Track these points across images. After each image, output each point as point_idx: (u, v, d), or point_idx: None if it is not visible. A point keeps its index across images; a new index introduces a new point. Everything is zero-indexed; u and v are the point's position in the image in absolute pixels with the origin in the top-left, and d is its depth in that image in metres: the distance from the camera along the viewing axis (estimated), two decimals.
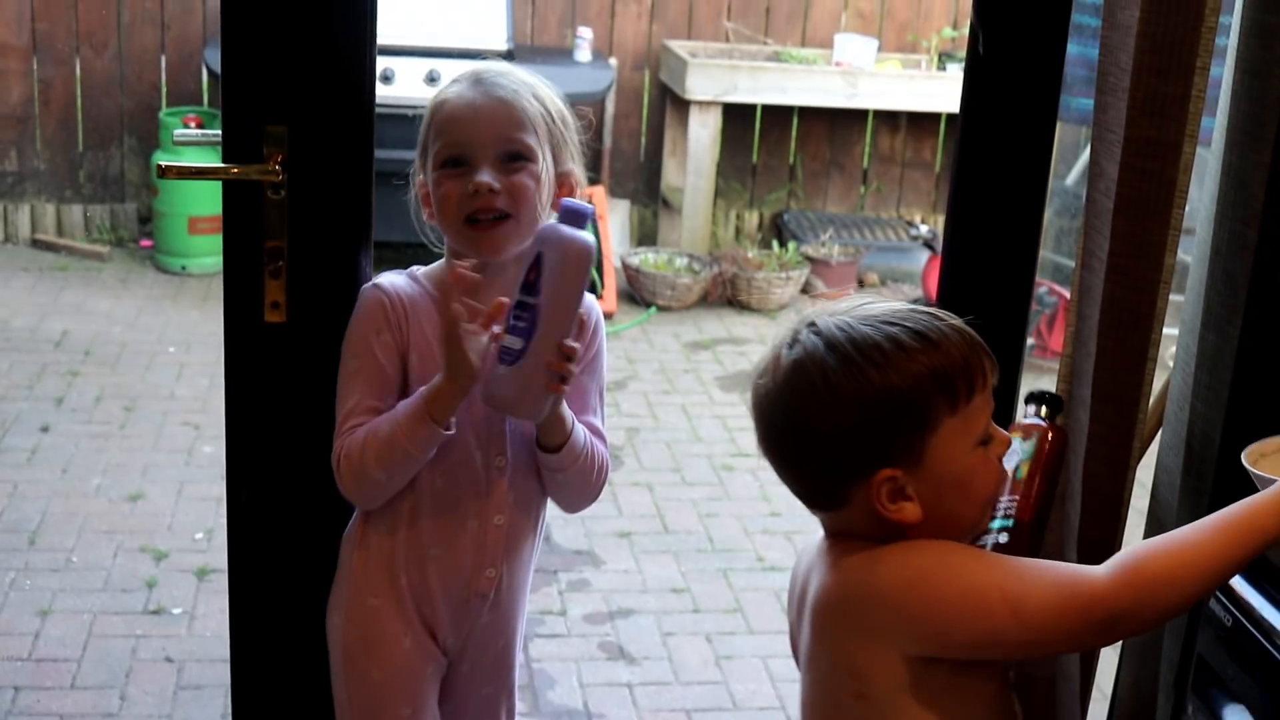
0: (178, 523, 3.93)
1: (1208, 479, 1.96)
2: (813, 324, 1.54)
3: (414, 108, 2.04)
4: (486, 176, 1.88)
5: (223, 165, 1.88)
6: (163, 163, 1.90)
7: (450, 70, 1.98)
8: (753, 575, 3.89)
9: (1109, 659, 2.34)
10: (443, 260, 2.01)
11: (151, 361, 5.10)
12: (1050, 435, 1.79)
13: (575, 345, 1.86)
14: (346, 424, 1.92)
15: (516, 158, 1.92)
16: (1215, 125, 2.02)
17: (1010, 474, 1.70)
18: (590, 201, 5.89)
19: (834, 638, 1.55)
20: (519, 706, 3.14)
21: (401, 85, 5.57)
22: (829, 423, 1.50)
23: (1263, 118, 1.88)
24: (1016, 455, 1.74)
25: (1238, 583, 1.69)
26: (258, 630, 2.17)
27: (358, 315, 1.94)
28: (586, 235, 1.85)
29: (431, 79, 5.58)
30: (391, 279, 1.97)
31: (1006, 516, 1.72)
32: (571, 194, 2.00)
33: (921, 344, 1.49)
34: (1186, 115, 1.89)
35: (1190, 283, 2.06)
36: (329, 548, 2.07)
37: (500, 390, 1.86)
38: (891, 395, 1.48)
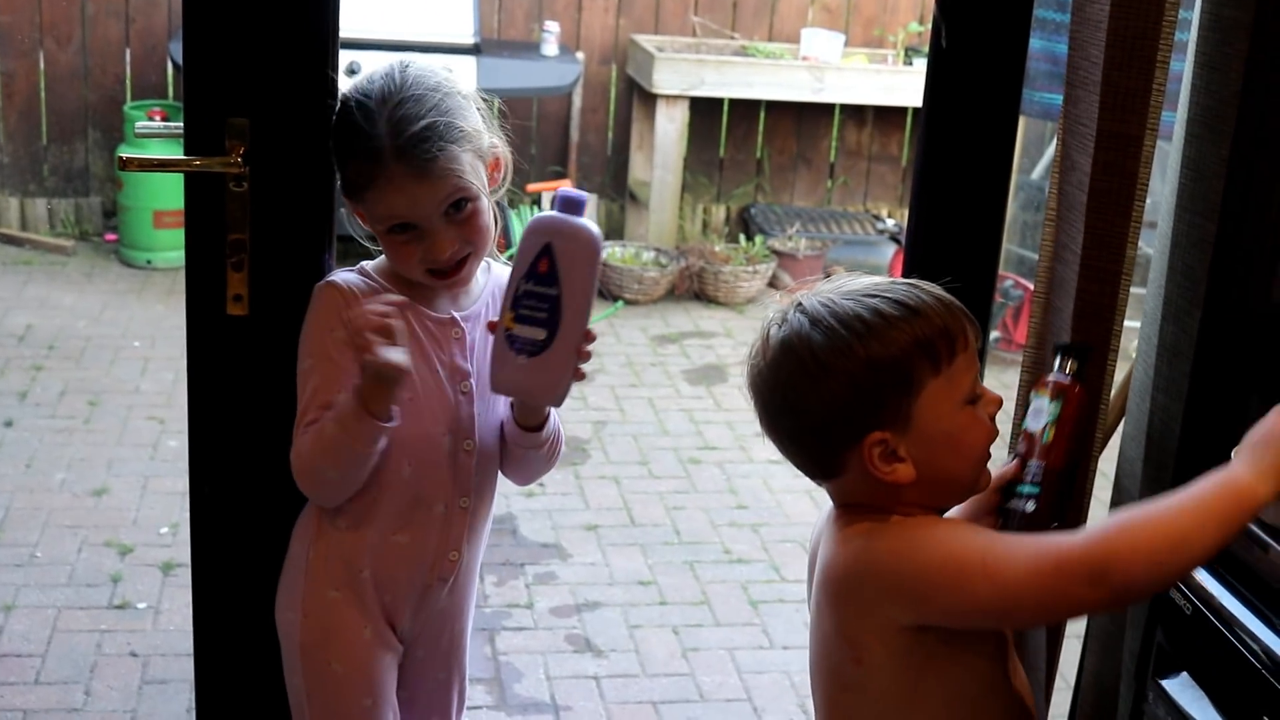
0: (143, 517, 3.91)
1: (1168, 469, 1.97)
2: (799, 304, 1.61)
3: None
4: (445, 243, 1.91)
5: (185, 158, 1.87)
6: (125, 154, 1.88)
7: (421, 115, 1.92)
8: (719, 568, 3.90)
9: (1073, 650, 2.36)
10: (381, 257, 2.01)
11: (116, 356, 5.08)
12: (1078, 392, 1.77)
13: (595, 332, 1.91)
14: (302, 422, 1.92)
15: (462, 203, 1.92)
16: (1176, 119, 2.04)
17: (1037, 436, 1.73)
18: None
19: (835, 608, 1.61)
20: (486, 699, 3.16)
21: None
22: (819, 394, 1.57)
23: (1221, 111, 1.89)
24: (1043, 416, 1.75)
25: (1197, 571, 1.71)
26: (221, 623, 2.16)
27: (313, 313, 1.94)
28: (592, 223, 1.87)
29: None
30: (344, 276, 1.97)
31: (1034, 483, 1.72)
32: (499, 168, 2.01)
33: (901, 311, 1.56)
34: (1148, 109, 1.90)
35: (1152, 275, 2.08)
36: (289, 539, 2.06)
37: (524, 381, 1.90)
38: (875, 363, 1.54)
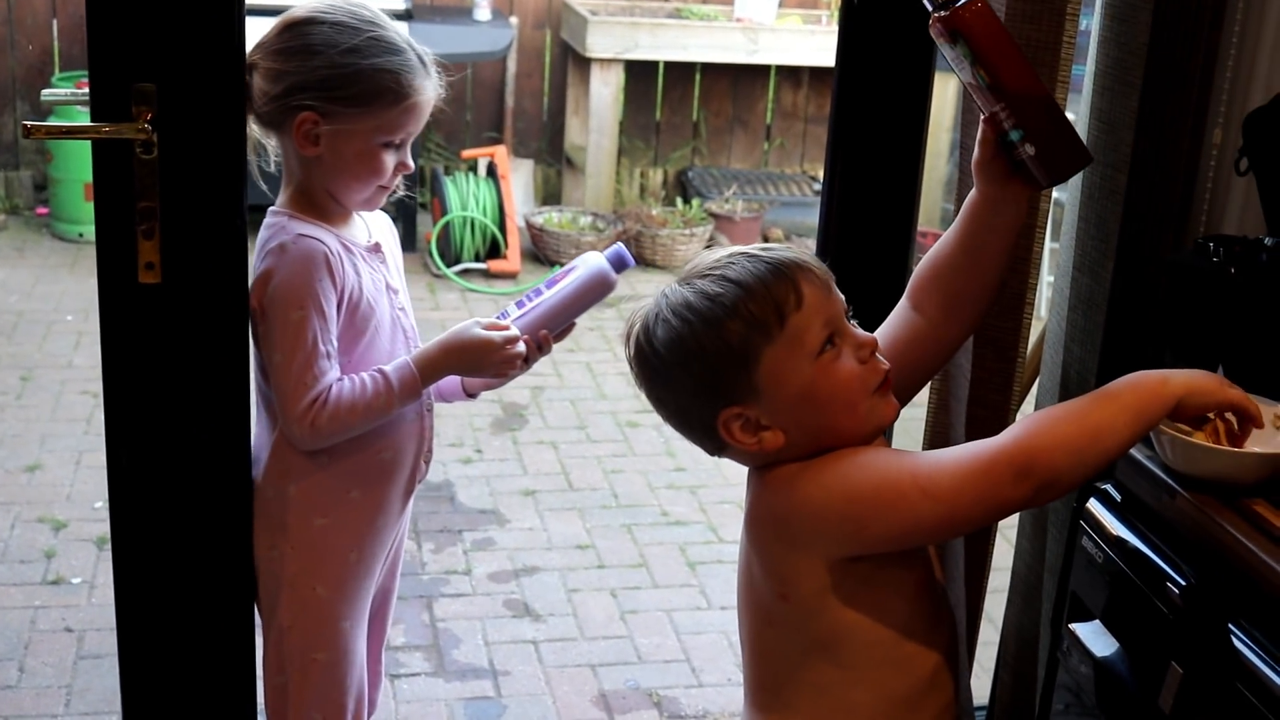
0: (76, 492, 3.88)
1: None
2: (653, 299, 1.65)
3: None
4: (411, 160, 2.09)
5: (91, 124, 1.85)
6: (28, 122, 1.86)
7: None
8: (657, 530, 3.91)
9: (998, 601, 2.38)
10: (289, 196, 2.06)
11: (49, 330, 5.03)
12: (965, 13, 1.60)
13: (553, 342, 2.13)
14: (308, 373, 1.97)
15: None
16: (1085, 73, 2.05)
17: (976, 84, 1.62)
18: (493, 161, 5.81)
19: (763, 549, 1.64)
20: (424, 666, 3.17)
21: None
22: (669, 387, 1.62)
23: (1130, 63, 1.91)
24: (964, 63, 1.62)
25: (1107, 518, 1.73)
26: (144, 592, 2.15)
27: (295, 267, 1.98)
28: (615, 275, 2.14)
29: None
30: (304, 229, 2.01)
31: (1015, 126, 1.60)
32: None
33: (724, 287, 1.56)
34: (1058, 62, 1.91)
35: (1064, 228, 2.10)
36: (211, 506, 2.07)
37: None
38: (705, 346, 1.56)
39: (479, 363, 2.06)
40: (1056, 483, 1.49)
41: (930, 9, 1.63)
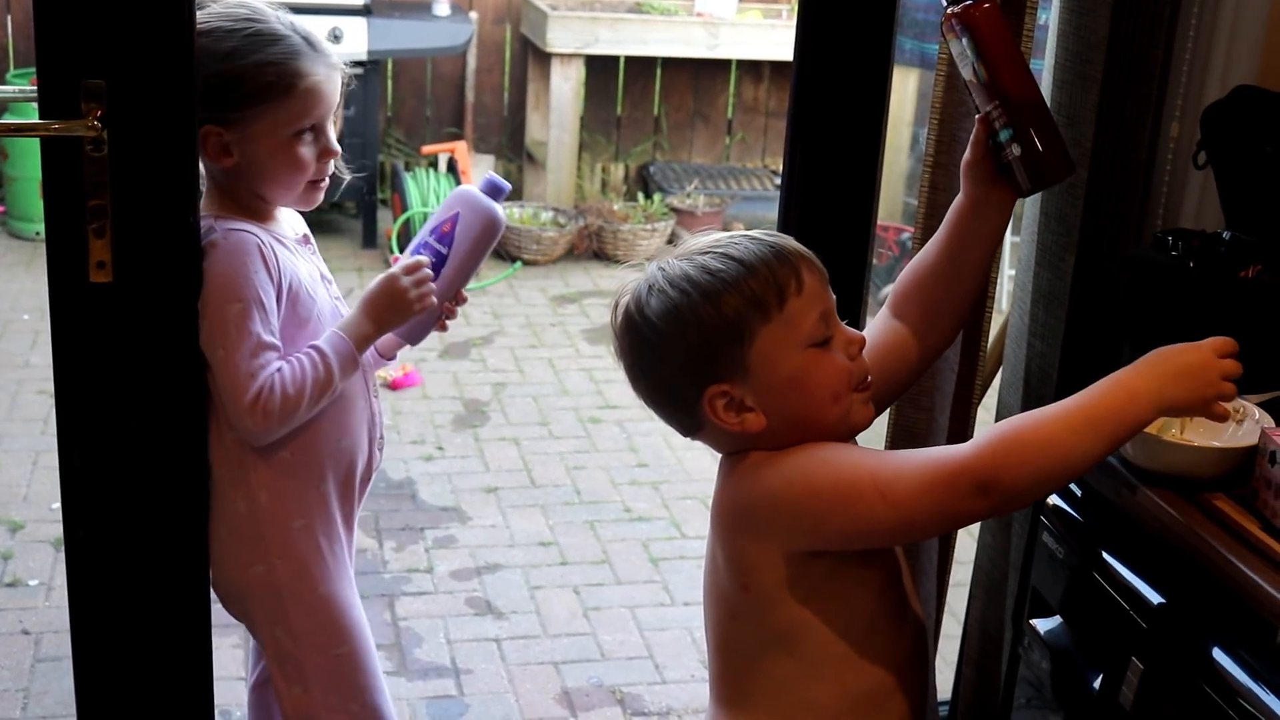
0: (33, 493, 3.85)
1: None
2: (646, 271, 1.65)
3: None
4: (336, 143, 2.06)
5: (40, 122, 1.82)
6: None
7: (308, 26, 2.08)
8: (620, 526, 3.90)
9: (960, 596, 2.38)
10: (213, 201, 2.06)
11: (5, 330, 4.98)
12: (977, 11, 1.67)
13: (467, 296, 2.17)
14: (254, 363, 1.96)
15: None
16: (1044, 67, 2.05)
17: (975, 81, 1.68)
18: (453, 157, 5.79)
19: (727, 538, 1.64)
20: (386, 665, 3.15)
21: None
22: (657, 357, 1.61)
23: (1089, 56, 1.91)
24: (967, 58, 1.68)
25: (1067, 513, 1.72)
26: (99, 594, 2.13)
27: (228, 260, 1.97)
28: (500, 210, 2.12)
29: None
30: (233, 224, 2.01)
31: (1005, 125, 1.65)
32: None
33: (725, 264, 1.57)
34: None
35: (1025, 222, 2.09)
36: (164, 508, 2.06)
37: None
38: (702, 318, 1.56)
39: (395, 302, 2.04)
40: (1017, 500, 1.50)
41: (945, 3, 1.68)
